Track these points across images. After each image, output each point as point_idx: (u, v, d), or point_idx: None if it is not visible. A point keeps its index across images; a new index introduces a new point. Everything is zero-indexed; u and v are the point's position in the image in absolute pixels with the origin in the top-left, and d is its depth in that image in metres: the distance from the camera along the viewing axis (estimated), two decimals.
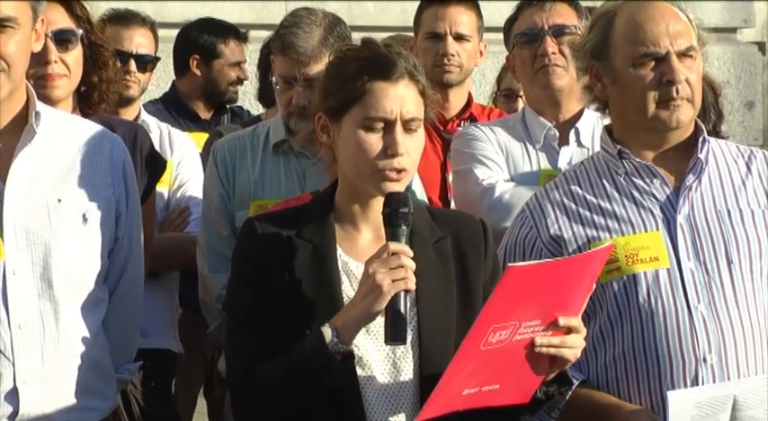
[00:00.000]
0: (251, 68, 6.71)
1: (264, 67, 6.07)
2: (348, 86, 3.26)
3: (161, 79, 8.11)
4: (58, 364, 3.43)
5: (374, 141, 3.24)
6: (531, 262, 3.23)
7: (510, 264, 3.06)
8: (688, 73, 3.55)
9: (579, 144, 4.53)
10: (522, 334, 3.11)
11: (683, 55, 3.55)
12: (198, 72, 6.78)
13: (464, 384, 3.10)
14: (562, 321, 3.15)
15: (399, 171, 3.25)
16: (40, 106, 3.49)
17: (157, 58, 5.65)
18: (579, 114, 4.57)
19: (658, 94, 3.54)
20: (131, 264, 3.66)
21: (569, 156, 4.50)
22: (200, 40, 6.80)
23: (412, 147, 3.27)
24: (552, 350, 3.16)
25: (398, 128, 3.24)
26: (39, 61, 4.02)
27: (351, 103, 3.26)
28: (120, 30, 5.44)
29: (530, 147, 4.54)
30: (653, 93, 3.54)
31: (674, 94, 3.53)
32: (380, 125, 3.24)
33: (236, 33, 6.84)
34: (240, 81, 6.81)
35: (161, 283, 4.82)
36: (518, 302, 3.06)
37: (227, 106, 6.92)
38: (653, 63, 3.54)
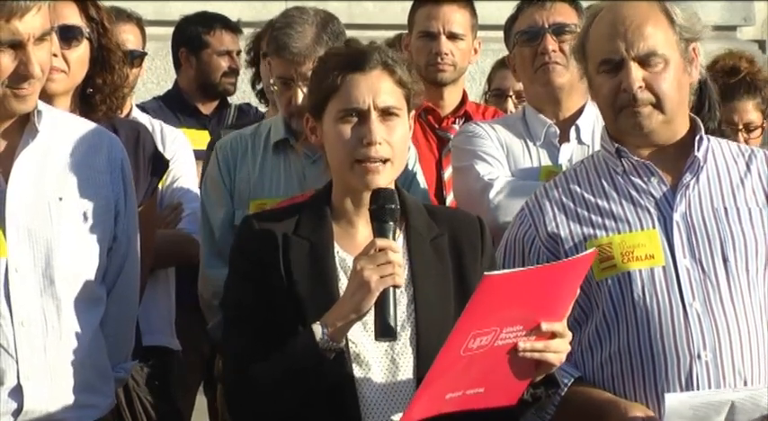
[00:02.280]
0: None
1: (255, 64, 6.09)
2: (324, 83, 3.30)
3: (161, 78, 8.13)
4: (60, 361, 3.44)
5: (349, 132, 3.27)
6: (508, 270, 3.22)
7: (486, 273, 3.06)
8: (652, 79, 3.51)
9: (579, 141, 4.55)
10: (503, 339, 3.12)
11: (645, 60, 3.52)
12: (188, 64, 6.80)
13: (447, 388, 3.11)
14: (545, 326, 3.16)
15: (382, 161, 3.27)
16: (40, 105, 3.51)
17: (144, 54, 5.64)
18: (579, 111, 4.59)
19: (618, 101, 3.54)
20: (129, 263, 3.68)
21: (570, 153, 4.51)
22: (187, 31, 6.82)
23: (392, 136, 3.29)
24: (536, 354, 3.17)
25: (373, 117, 3.27)
26: None
27: (327, 98, 3.30)
28: None
29: (530, 144, 4.56)
30: (612, 99, 3.54)
31: (631, 101, 3.52)
32: (355, 116, 3.27)
33: (224, 23, 6.83)
34: (233, 71, 6.78)
35: (157, 281, 4.82)
36: (498, 309, 3.07)
37: (235, 104, 6.91)
38: (614, 69, 3.53)
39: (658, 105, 3.54)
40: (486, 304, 3.03)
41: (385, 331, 3.15)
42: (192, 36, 6.80)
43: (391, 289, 3.14)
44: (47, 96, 4.02)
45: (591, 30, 3.61)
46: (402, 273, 3.18)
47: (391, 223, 3.22)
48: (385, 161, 3.27)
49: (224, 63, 6.76)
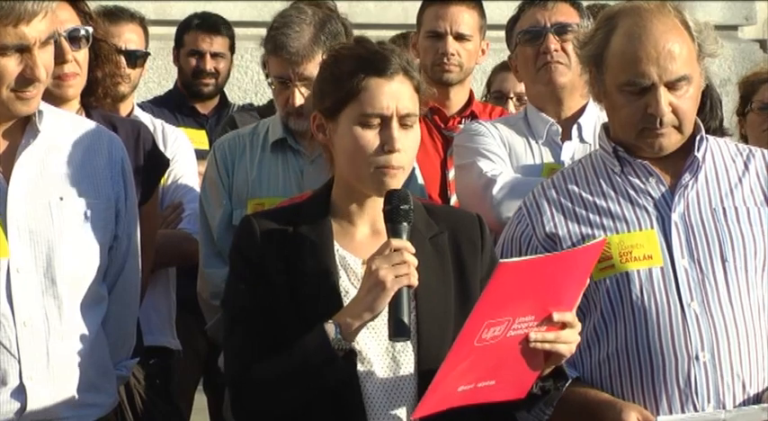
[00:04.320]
0: (252, 65, 6.69)
1: None
2: (343, 84, 3.28)
3: (162, 77, 8.14)
4: (62, 361, 3.45)
5: (371, 138, 3.26)
6: (523, 257, 3.23)
7: (501, 261, 3.08)
8: (677, 101, 3.49)
9: (581, 140, 4.56)
10: (516, 329, 3.12)
11: (673, 84, 3.49)
12: (176, 63, 6.83)
13: (459, 381, 3.11)
14: (556, 316, 3.16)
15: (398, 168, 3.27)
16: (41, 105, 3.51)
17: (147, 54, 5.64)
18: (581, 110, 4.60)
19: (641, 122, 3.51)
20: (129, 262, 3.68)
21: (572, 151, 4.52)
22: (178, 30, 6.83)
23: (408, 143, 3.29)
24: (547, 345, 3.18)
25: (395, 124, 3.26)
26: (54, 61, 4.06)
27: (346, 100, 3.27)
28: (108, 26, 5.39)
29: (532, 143, 4.57)
30: (636, 120, 3.52)
31: (657, 125, 3.50)
32: (377, 121, 3.26)
33: (201, 23, 6.79)
34: (202, 72, 6.72)
35: (157, 281, 4.83)
36: (511, 298, 3.07)
37: (238, 104, 6.89)
38: (639, 90, 3.49)
39: (679, 127, 3.53)
40: (500, 292, 3.04)
41: (399, 331, 3.15)
42: (177, 35, 6.83)
43: (405, 289, 3.15)
44: (64, 101, 4.08)
45: (613, 41, 3.54)
46: (416, 273, 3.17)
47: (405, 224, 3.22)
48: (399, 168, 3.28)
49: (193, 61, 6.73)
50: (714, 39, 3.60)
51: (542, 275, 3.11)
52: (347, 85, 3.27)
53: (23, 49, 3.33)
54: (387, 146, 3.25)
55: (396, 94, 3.27)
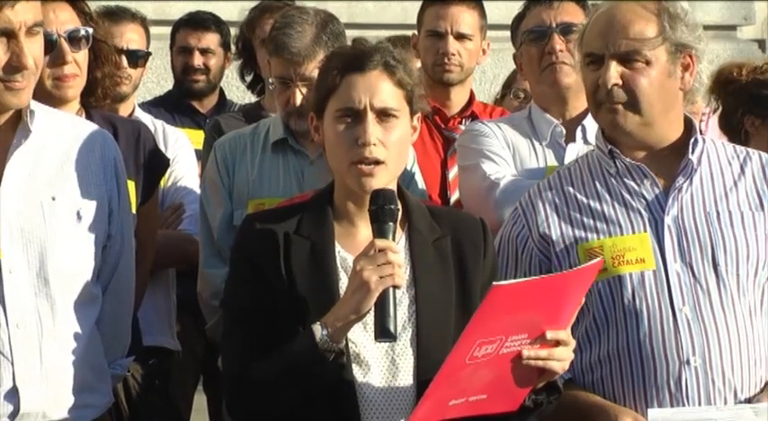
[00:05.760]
0: None
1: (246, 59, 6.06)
2: (325, 82, 3.30)
3: (161, 77, 8.13)
4: (56, 362, 3.43)
5: (345, 132, 3.27)
6: (518, 280, 3.21)
7: (495, 283, 3.05)
8: (629, 77, 3.51)
9: (586, 141, 4.54)
10: (508, 347, 3.12)
11: (625, 58, 3.51)
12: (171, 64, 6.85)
13: (450, 395, 3.11)
14: (550, 335, 3.15)
15: (376, 162, 3.25)
16: (33, 104, 3.49)
17: (149, 54, 5.63)
18: (586, 111, 4.56)
19: (595, 94, 3.55)
20: (123, 261, 3.66)
21: (575, 152, 4.50)
22: (171, 32, 6.84)
23: (389, 138, 3.27)
24: (540, 362, 3.17)
25: (369, 117, 3.25)
26: (54, 62, 4.08)
27: (327, 97, 3.30)
28: (110, 26, 5.37)
29: (536, 144, 4.56)
30: (591, 92, 3.56)
31: (605, 98, 3.52)
32: (351, 116, 3.26)
33: (189, 20, 6.79)
34: (189, 68, 6.71)
35: (156, 281, 4.83)
36: (504, 318, 3.06)
37: (241, 104, 6.88)
38: (597, 64, 3.54)
39: (633, 105, 3.52)
40: (493, 313, 3.03)
41: (384, 332, 3.15)
42: (171, 35, 6.84)
43: (391, 289, 3.14)
44: (65, 102, 4.07)
45: (588, 25, 3.62)
46: (402, 274, 3.17)
47: (390, 224, 3.21)
48: (379, 163, 3.25)
49: (180, 58, 6.74)
50: (693, 31, 3.60)
51: (537, 296, 3.10)
52: (326, 82, 3.30)
53: (9, 35, 3.31)
54: (360, 139, 3.24)
55: (370, 88, 3.27)
